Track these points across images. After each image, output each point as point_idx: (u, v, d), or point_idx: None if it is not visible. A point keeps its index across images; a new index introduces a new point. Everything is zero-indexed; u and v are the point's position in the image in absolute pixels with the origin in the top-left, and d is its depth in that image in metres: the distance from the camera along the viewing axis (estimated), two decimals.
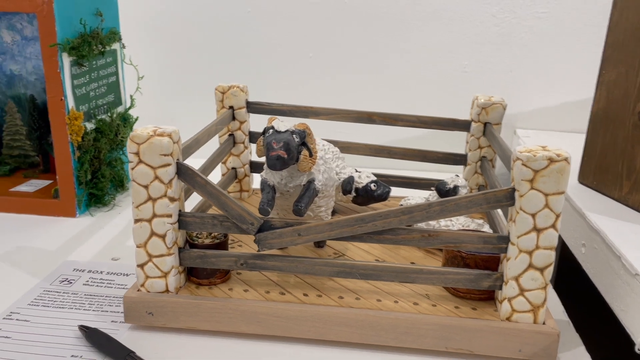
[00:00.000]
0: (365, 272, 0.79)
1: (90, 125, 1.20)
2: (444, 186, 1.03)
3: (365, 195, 1.06)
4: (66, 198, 1.18)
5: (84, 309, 0.86)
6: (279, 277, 0.86)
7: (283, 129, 0.76)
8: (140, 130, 0.76)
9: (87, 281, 0.94)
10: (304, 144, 0.78)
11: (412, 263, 0.93)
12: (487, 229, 0.94)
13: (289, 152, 0.75)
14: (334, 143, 1.10)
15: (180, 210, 0.80)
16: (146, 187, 0.77)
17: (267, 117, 1.15)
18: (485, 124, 1.10)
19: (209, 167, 1.03)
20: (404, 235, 0.77)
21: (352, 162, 1.19)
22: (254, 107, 1.12)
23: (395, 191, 1.15)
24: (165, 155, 0.75)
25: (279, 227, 0.78)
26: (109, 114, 1.28)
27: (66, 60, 1.12)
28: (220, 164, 1.17)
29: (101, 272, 0.97)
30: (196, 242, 0.84)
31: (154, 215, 0.78)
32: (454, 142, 1.28)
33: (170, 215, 0.78)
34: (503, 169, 1.43)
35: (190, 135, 0.91)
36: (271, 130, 0.77)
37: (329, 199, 0.90)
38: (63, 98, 1.12)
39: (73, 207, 1.19)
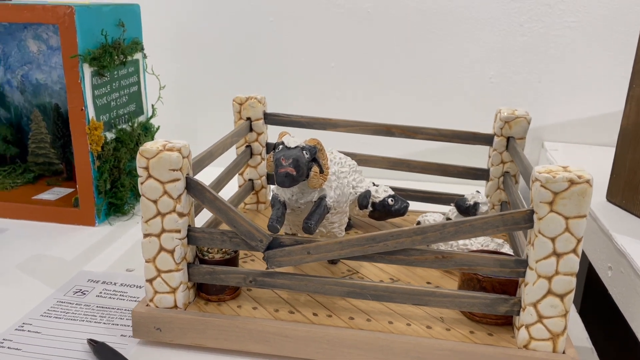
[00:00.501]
0: (376, 294, 0.76)
1: (110, 135, 1.21)
2: (464, 202, 0.99)
3: (383, 210, 1.04)
4: (86, 207, 1.19)
5: (94, 322, 0.86)
6: (289, 295, 0.84)
7: (293, 145, 0.75)
8: (149, 144, 0.75)
9: (101, 292, 0.95)
10: (314, 160, 0.76)
11: (428, 283, 0.90)
12: (507, 249, 0.90)
13: (298, 168, 0.73)
14: (352, 156, 1.08)
15: (189, 226, 0.79)
16: (155, 202, 0.76)
17: (285, 128, 1.15)
18: (508, 138, 1.07)
19: (224, 178, 1.02)
20: (417, 257, 0.75)
21: (369, 175, 1.17)
22: (271, 119, 1.11)
23: (413, 206, 1.12)
24: (174, 170, 0.75)
25: (288, 244, 0.77)
26: (129, 124, 1.29)
27: (87, 70, 1.13)
28: (237, 175, 1.16)
29: (115, 284, 0.97)
30: (206, 257, 0.83)
31: (163, 230, 0.77)
32: (475, 156, 1.24)
33: (178, 231, 0.77)
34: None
35: (209, 145, 0.90)
36: (281, 146, 0.76)
37: (342, 215, 0.88)
38: (83, 108, 1.13)
39: (92, 216, 1.20)
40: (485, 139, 1.09)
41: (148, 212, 0.77)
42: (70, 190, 1.31)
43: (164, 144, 0.76)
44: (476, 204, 0.99)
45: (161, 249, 0.78)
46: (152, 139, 1.36)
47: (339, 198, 0.83)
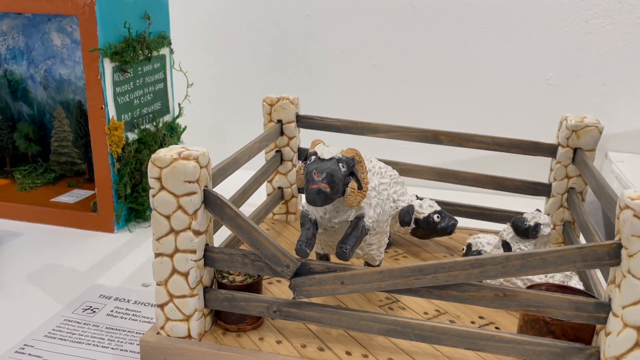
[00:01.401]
0: (422, 334, 0.65)
1: (132, 136, 1.13)
2: (523, 222, 0.86)
3: (427, 228, 0.92)
4: (104, 212, 1.11)
5: (102, 346, 0.77)
6: (319, 327, 0.73)
7: (328, 156, 0.64)
8: (163, 152, 0.66)
9: (112, 311, 0.86)
10: (352, 173, 0.65)
11: (481, 317, 0.77)
12: (575, 282, 0.77)
13: (333, 185, 0.62)
14: (393, 165, 0.97)
15: (207, 245, 0.69)
16: (168, 217, 0.66)
17: (319, 133, 1.04)
18: (575, 150, 0.93)
19: (251, 186, 0.92)
20: (473, 293, 0.62)
21: (412, 187, 1.05)
22: (304, 122, 1.00)
23: (462, 222, 1.00)
24: (190, 182, 0.65)
25: (318, 271, 0.66)
26: (154, 123, 1.20)
27: (108, 66, 1.04)
28: (265, 182, 1.06)
29: (128, 301, 0.88)
30: (225, 281, 0.73)
31: (176, 250, 0.67)
32: (533, 168, 1.10)
33: (194, 251, 0.67)
34: (591, 197, 1.24)
35: (240, 148, 0.81)
36: (313, 158, 0.65)
37: (382, 235, 0.76)
38: (103, 106, 1.05)
39: (111, 222, 1.12)
40: (547, 150, 0.95)
41: (160, 229, 0.67)
42: (90, 192, 1.24)
43: (180, 152, 0.66)
44: (537, 225, 0.86)
45: (174, 271, 0.68)
46: (179, 140, 1.28)
47: (379, 217, 0.71)
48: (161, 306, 0.70)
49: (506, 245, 0.86)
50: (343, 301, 0.79)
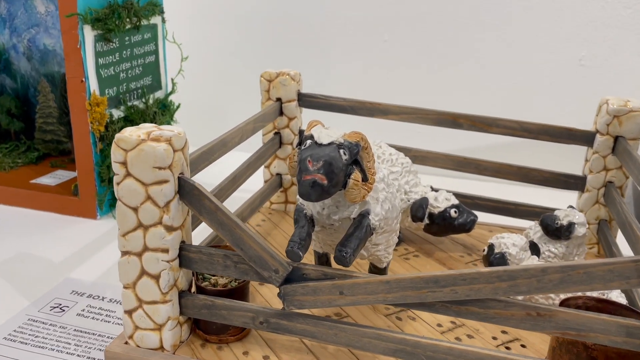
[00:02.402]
0: (435, 356, 0.54)
1: (117, 113, 1.02)
2: (554, 221, 0.75)
3: (443, 224, 0.81)
4: (86, 196, 1.01)
5: (67, 352, 0.67)
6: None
7: (326, 141, 0.52)
8: (129, 131, 0.55)
9: (83, 310, 0.76)
10: (355, 162, 0.54)
11: (504, 332, 0.66)
12: (617, 294, 0.65)
13: (332, 176, 0.51)
14: (405, 151, 0.86)
15: (182, 243, 0.58)
16: (135, 209, 0.56)
17: (323, 113, 0.93)
18: (616, 138, 0.81)
19: (244, 172, 0.81)
20: (498, 310, 0.51)
21: (427, 176, 0.93)
22: (306, 101, 0.89)
23: (482, 218, 0.89)
24: (160, 168, 0.54)
25: (313, 278, 0.55)
26: (143, 100, 1.09)
27: (89, 34, 0.93)
28: (262, 168, 0.95)
29: (102, 299, 0.79)
30: (206, 284, 0.63)
31: (145, 249, 0.57)
32: (566, 159, 0.98)
33: (166, 250, 0.56)
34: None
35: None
36: (309, 142, 0.53)
37: (391, 234, 0.65)
38: (84, 79, 0.94)
39: (93, 208, 1.01)
40: (583, 138, 0.83)
41: (126, 223, 0.56)
42: (74, 174, 1.14)
43: (149, 132, 0.55)
44: (571, 225, 0.74)
45: (143, 272, 0.57)
46: (171, 119, 1.17)
47: (388, 214, 0.60)
48: (129, 312, 0.59)
49: (534, 247, 0.75)
50: (343, 309, 0.69)
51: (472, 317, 0.52)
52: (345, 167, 0.52)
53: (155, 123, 1.10)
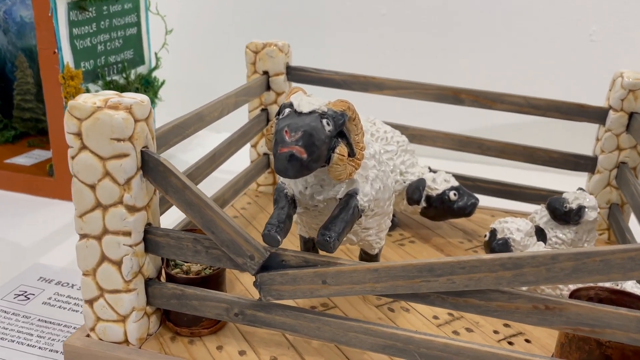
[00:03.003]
0: (429, 353, 0.48)
1: (95, 88, 0.96)
2: (562, 205, 0.69)
3: (441, 207, 0.74)
4: (61, 177, 0.95)
5: (28, 344, 0.61)
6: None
7: (307, 109, 0.46)
8: (84, 98, 0.48)
9: (50, 298, 0.70)
10: (341, 134, 0.47)
11: (507, 326, 0.60)
12: (630, 285, 0.59)
13: (312, 148, 0.44)
14: (402, 129, 0.80)
15: (148, 226, 0.52)
16: (93, 187, 0.49)
17: (314, 88, 0.86)
18: (631, 115, 0.74)
19: (225, 150, 0.74)
20: (502, 303, 0.45)
21: (425, 156, 0.87)
22: (296, 74, 0.82)
23: (484, 201, 0.82)
24: (119, 140, 0.47)
25: (293, 265, 0.49)
26: (124, 75, 1.03)
27: (61, 1, 0.86)
28: (249, 147, 0.89)
29: (72, 286, 0.73)
30: (177, 270, 0.56)
31: (105, 231, 0.50)
32: (575, 138, 0.91)
33: (128, 233, 0.50)
34: None
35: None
36: (287, 111, 0.47)
37: (383, 217, 0.59)
38: (56, 50, 0.87)
39: (69, 189, 0.95)
40: (595, 115, 0.76)
41: (83, 203, 0.50)
42: (50, 154, 1.07)
43: (107, 99, 0.48)
44: (581, 209, 0.68)
45: (103, 258, 0.51)
46: (155, 96, 1.10)
47: (379, 194, 0.54)
48: (90, 302, 0.53)
49: (541, 233, 0.68)
50: (330, 299, 0.63)
51: (472, 310, 0.46)
52: (328, 139, 0.46)
53: None
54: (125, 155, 0.48)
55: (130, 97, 0.49)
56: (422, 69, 1.14)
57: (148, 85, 1.09)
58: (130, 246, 0.51)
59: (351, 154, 0.48)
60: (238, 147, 0.78)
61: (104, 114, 0.47)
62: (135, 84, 1.05)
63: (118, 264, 0.51)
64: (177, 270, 0.57)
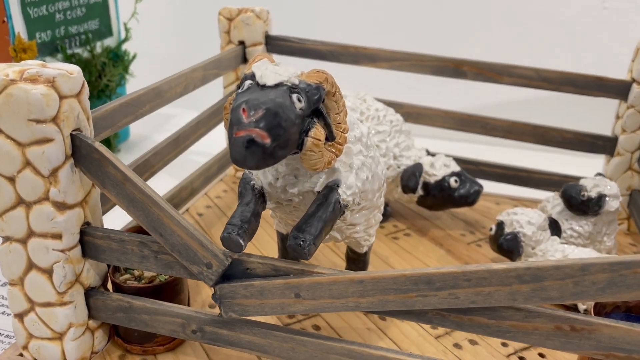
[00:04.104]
0: None
1: (54, 62, 0.85)
2: (579, 193, 0.60)
3: (440, 195, 0.66)
4: None
5: None
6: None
7: (272, 81, 0.36)
8: None
9: None
10: (317, 114, 0.38)
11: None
12: None
13: (277, 131, 0.35)
14: (396, 107, 0.71)
15: (85, 226, 0.43)
16: (11, 180, 0.40)
17: (297, 60, 0.76)
18: None
19: (193, 132, 0.65)
20: (516, 322, 0.36)
21: (422, 139, 0.77)
22: (276, 45, 0.73)
23: (488, 188, 0.73)
24: (39, 121, 0.38)
25: (259, 274, 0.40)
26: (88, 47, 0.92)
27: None
28: (222, 129, 0.79)
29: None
30: (128, 277, 0.47)
31: (31, 233, 0.41)
32: (592, 115, 0.82)
33: (58, 236, 0.41)
34: None
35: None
36: (248, 83, 0.37)
37: (372, 211, 0.49)
38: (5, 19, 0.77)
39: None
40: (615, 89, 0.67)
41: (1, 199, 0.41)
42: None
43: (23, 70, 0.38)
44: (601, 198, 0.59)
45: (31, 265, 0.42)
46: (126, 71, 1.00)
47: (367, 185, 0.45)
48: (19, 317, 0.45)
49: (554, 225, 0.59)
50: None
51: (479, 330, 0.37)
52: (300, 119, 0.36)
53: (104, 76, 0.94)
54: (48, 141, 0.39)
55: (54, 68, 0.39)
56: (419, 39, 1.03)
57: (117, 60, 0.99)
58: (62, 251, 0.41)
59: (330, 137, 0.39)
60: (209, 128, 0.69)
61: (18, 88, 0.37)
62: (102, 58, 0.95)
63: (48, 272, 0.42)
64: (127, 276, 0.48)
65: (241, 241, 0.39)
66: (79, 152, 0.40)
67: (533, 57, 0.99)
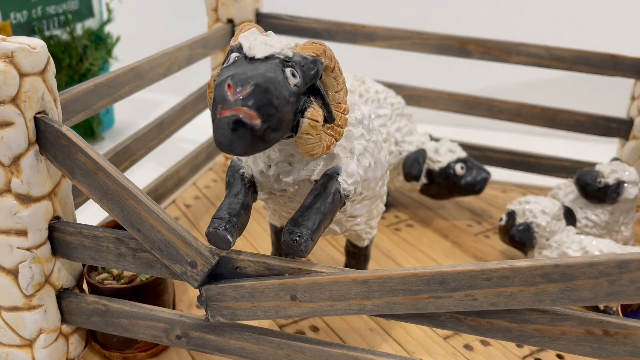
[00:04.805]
0: None
1: None
2: (595, 180, 0.56)
3: (445, 184, 0.61)
4: None
5: None
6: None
7: (262, 53, 0.32)
8: None
9: None
10: (314, 91, 0.33)
11: None
12: None
13: (268, 110, 0.30)
14: (397, 89, 0.66)
15: (55, 220, 0.38)
16: None
17: (290, 39, 0.71)
18: None
19: (179, 116, 0.60)
20: (541, 326, 0.32)
21: (425, 124, 0.73)
22: (268, 23, 0.69)
23: (495, 175, 0.69)
24: None
25: (251, 274, 0.35)
26: (67, 29, 0.87)
27: None
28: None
29: None
30: (105, 277, 0.43)
31: None
32: (605, 96, 0.77)
33: (22, 232, 0.36)
34: None
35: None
36: (235, 56, 0.32)
37: (374, 201, 0.45)
38: None
39: None
40: (631, 67, 0.63)
41: None
42: None
43: None
44: (619, 185, 0.55)
45: None
46: (109, 55, 0.95)
47: (369, 173, 0.40)
48: None
49: (569, 214, 0.55)
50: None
51: (499, 335, 0.33)
52: (294, 97, 0.32)
53: (86, 60, 0.88)
54: (8, 124, 0.34)
55: (14, 42, 0.34)
56: (421, 15, 0.98)
57: (99, 42, 0.94)
58: (28, 249, 0.37)
59: (329, 118, 0.34)
60: (196, 113, 0.64)
61: None
62: (83, 41, 0.89)
63: (13, 273, 0.37)
64: (105, 275, 0.43)
65: (229, 237, 0.34)
66: (45, 138, 0.36)
67: (543, 35, 0.94)
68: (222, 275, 0.36)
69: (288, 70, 0.32)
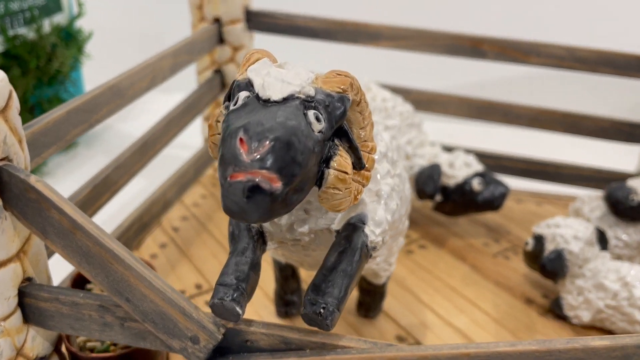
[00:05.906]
0: None
1: None
2: (627, 197, 0.51)
3: (461, 200, 0.57)
4: None
5: None
6: None
7: (279, 95, 0.25)
8: None
9: None
10: (340, 133, 0.27)
11: None
12: None
13: (291, 171, 0.24)
14: (404, 94, 0.61)
15: (26, 284, 0.32)
16: None
17: (283, 40, 0.65)
18: None
19: (166, 132, 0.53)
20: None
21: (437, 130, 0.67)
22: (259, 22, 0.63)
23: (516, 186, 0.64)
24: None
25: (264, 348, 0.30)
26: (34, 26, 0.79)
27: None
28: (201, 121, 0.67)
29: None
30: (89, 341, 0.37)
31: None
32: (631, 101, 0.72)
33: None
34: None
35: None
36: (244, 96, 0.26)
37: (397, 238, 0.39)
38: None
39: None
40: None
41: None
42: None
43: None
44: None
45: None
46: (80, 53, 0.87)
47: (396, 215, 0.34)
48: None
49: (602, 237, 0.50)
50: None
51: None
52: (319, 146, 0.26)
53: (55, 59, 0.81)
54: None
55: None
56: (429, 13, 0.91)
57: (70, 39, 0.87)
58: None
59: (357, 165, 0.28)
60: (185, 123, 0.57)
61: None
62: (52, 38, 0.82)
63: None
64: (93, 346, 0.37)
65: (238, 309, 0.28)
66: (9, 191, 0.29)
67: (563, 34, 0.89)
68: (230, 350, 0.30)
69: (311, 114, 0.25)
